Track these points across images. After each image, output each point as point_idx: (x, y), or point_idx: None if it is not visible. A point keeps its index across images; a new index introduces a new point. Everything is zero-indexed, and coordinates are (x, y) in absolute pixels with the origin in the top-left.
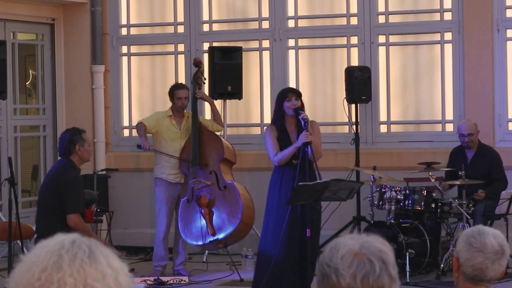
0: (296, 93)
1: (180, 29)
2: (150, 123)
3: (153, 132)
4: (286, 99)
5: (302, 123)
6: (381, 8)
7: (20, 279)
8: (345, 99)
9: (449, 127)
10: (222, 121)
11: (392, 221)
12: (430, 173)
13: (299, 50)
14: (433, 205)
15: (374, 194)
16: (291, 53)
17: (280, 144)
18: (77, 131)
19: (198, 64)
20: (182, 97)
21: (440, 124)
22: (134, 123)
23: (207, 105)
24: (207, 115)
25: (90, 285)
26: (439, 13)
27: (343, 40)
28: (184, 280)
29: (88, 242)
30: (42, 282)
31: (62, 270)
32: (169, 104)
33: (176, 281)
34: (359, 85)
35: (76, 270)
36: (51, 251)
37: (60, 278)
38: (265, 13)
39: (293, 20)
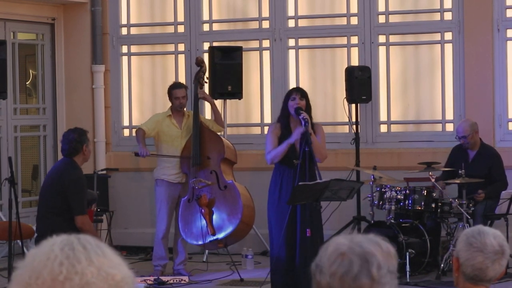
0: (301, 93)
1: (180, 28)
2: (149, 127)
3: (153, 135)
4: (290, 99)
5: (303, 122)
6: (381, 8)
7: (39, 273)
8: (345, 99)
9: (449, 127)
10: (223, 121)
11: (392, 221)
12: (430, 173)
13: (299, 50)
14: (433, 205)
15: (374, 194)
16: (291, 53)
17: (282, 142)
18: (83, 131)
19: (200, 63)
20: (179, 97)
21: (440, 124)
22: (134, 123)
23: (207, 105)
24: (208, 115)
25: (106, 272)
26: (439, 13)
27: (343, 40)
28: (184, 280)
29: (90, 238)
30: (64, 275)
31: (81, 263)
32: (169, 103)
33: (176, 281)
34: (359, 85)
35: (95, 259)
36: (62, 245)
37: (83, 268)
38: (265, 13)
39: (293, 20)
